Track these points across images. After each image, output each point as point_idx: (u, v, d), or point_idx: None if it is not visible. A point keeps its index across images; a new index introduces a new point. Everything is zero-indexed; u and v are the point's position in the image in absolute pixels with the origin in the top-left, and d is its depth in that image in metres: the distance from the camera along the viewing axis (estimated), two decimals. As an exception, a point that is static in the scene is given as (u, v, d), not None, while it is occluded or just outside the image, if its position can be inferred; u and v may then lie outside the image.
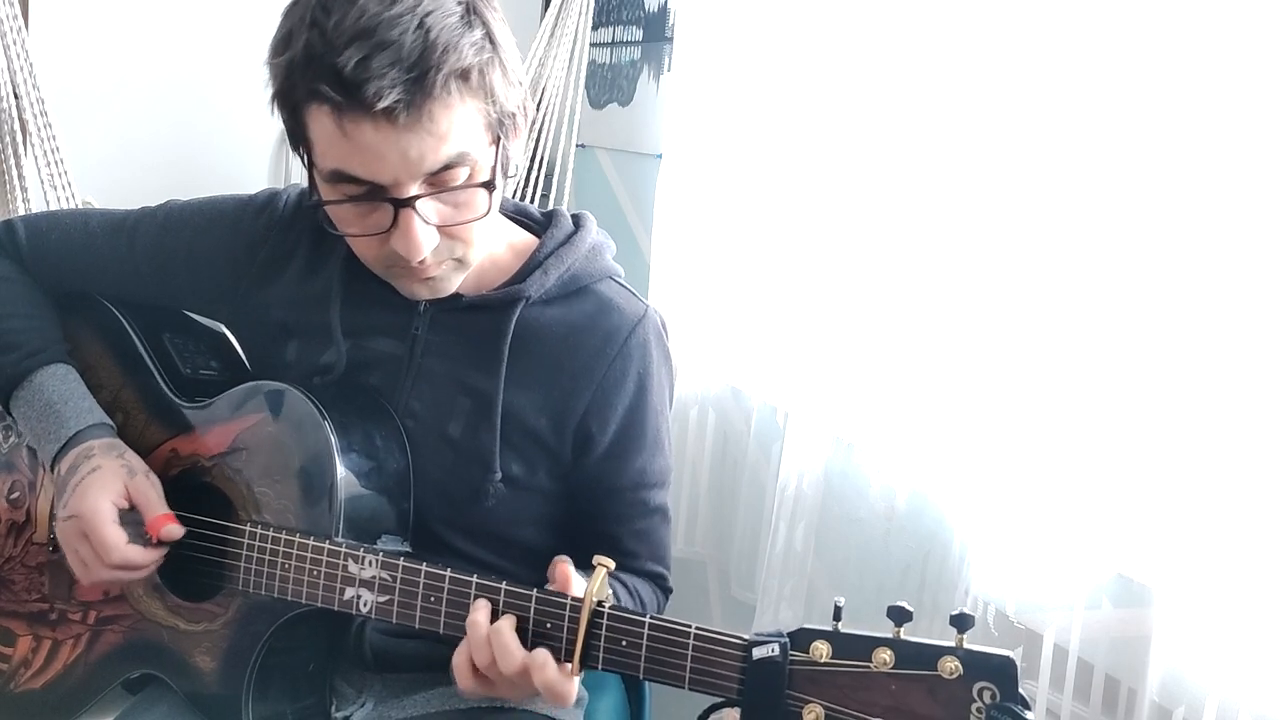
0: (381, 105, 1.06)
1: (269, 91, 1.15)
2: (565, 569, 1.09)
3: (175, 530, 1.25)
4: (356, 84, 1.06)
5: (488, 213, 1.18)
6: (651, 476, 1.33)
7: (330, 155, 1.12)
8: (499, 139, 1.17)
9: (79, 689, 1.35)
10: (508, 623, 1.07)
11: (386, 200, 1.13)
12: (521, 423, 1.28)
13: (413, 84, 1.07)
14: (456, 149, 1.12)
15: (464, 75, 1.10)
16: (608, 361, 1.29)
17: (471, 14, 1.12)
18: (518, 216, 1.37)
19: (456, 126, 1.11)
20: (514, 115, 1.18)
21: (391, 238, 1.15)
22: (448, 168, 1.13)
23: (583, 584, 1.10)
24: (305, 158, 1.18)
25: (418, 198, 1.13)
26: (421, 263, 1.17)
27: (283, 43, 1.12)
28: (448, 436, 1.28)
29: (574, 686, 1.07)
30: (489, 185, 1.16)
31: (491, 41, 1.13)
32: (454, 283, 1.24)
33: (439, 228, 1.16)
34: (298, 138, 1.17)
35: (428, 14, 1.08)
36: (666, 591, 1.37)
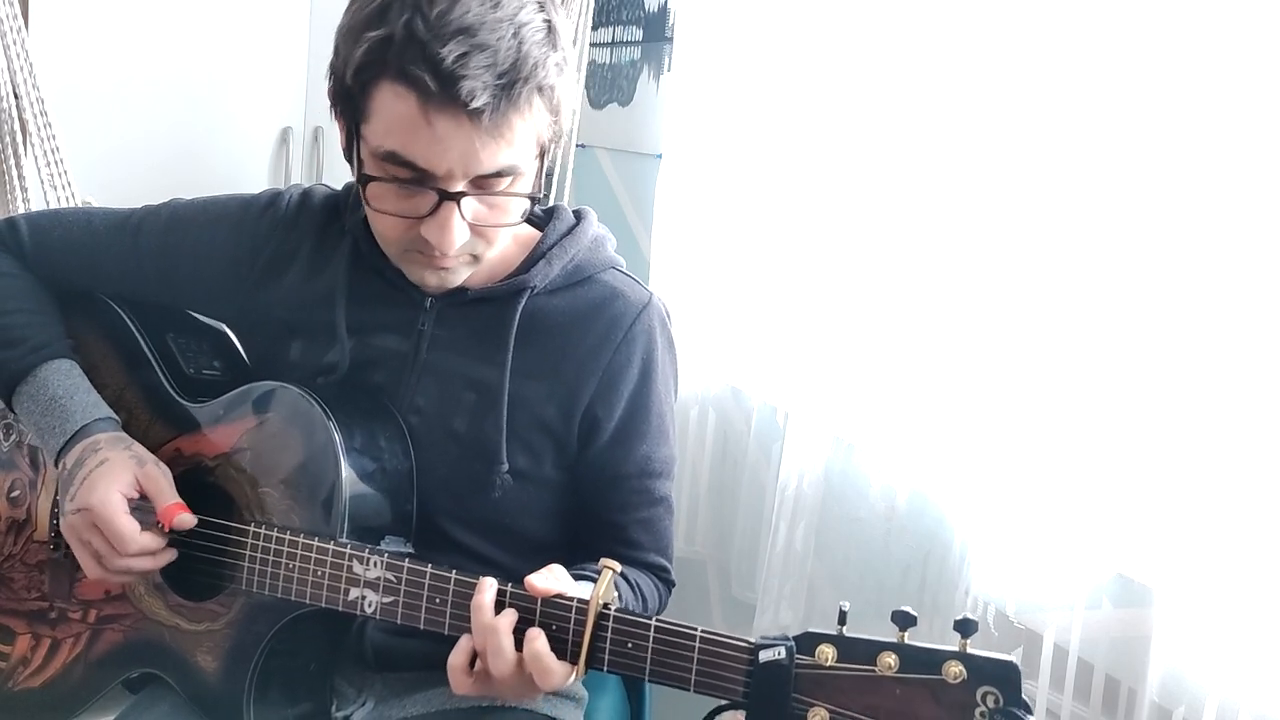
0: (474, 105, 1.09)
1: (341, 58, 1.15)
2: (530, 580, 1.09)
3: (188, 519, 1.25)
4: (454, 78, 1.08)
5: (520, 219, 1.21)
6: (656, 465, 1.34)
7: (391, 137, 1.13)
8: (544, 153, 1.20)
9: (79, 688, 1.35)
10: (507, 622, 1.08)
11: (433, 189, 1.15)
12: (529, 413, 1.29)
13: (501, 90, 1.10)
14: (514, 158, 1.15)
15: (543, 91, 1.14)
16: (613, 347, 1.30)
17: (552, 33, 1.15)
18: None
19: (522, 137, 1.14)
20: (561, 134, 1.21)
21: (424, 225, 1.17)
22: (499, 173, 1.15)
23: (563, 574, 1.11)
24: (353, 130, 1.18)
25: (464, 194, 1.15)
26: (444, 254, 1.19)
27: (378, 15, 1.12)
28: (453, 431, 1.29)
29: (566, 673, 1.07)
30: (532, 197, 1.20)
31: (565, 64, 1.17)
32: (463, 276, 1.26)
33: (470, 225, 1.18)
34: (353, 110, 1.17)
35: (522, 25, 1.12)
36: (669, 585, 1.38)
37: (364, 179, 1.17)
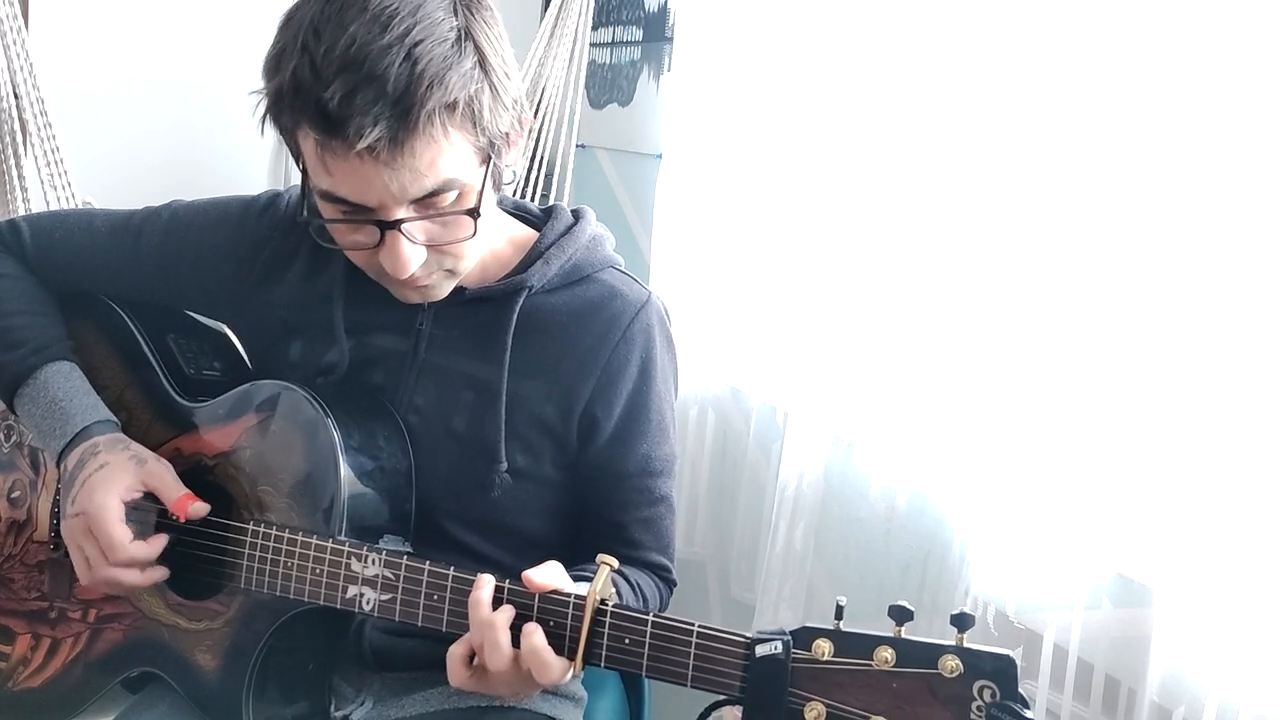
0: (362, 144, 1.06)
1: (261, 107, 1.15)
2: (527, 575, 1.09)
3: (200, 507, 1.25)
4: (339, 120, 1.06)
5: (474, 234, 1.17)
6: (656, 463, 1.34)
7: (319, 176, 1.13)
8: (489, 158, 1.17)
9: (78, 687, 1.35)
10: (504, 617, 1.08)
11: (372, 221, 1.14)
12: (528, 412, 1.29)
13: (395, 120, 1.06)
14: (440, 178, 1.12)
15: (450, 108, 1.10)
16: (611, 346, 1.29)
17: (464, 39, 1.10)
18: (517, 212, 1.38)
19: (441, 159, 1.11)
20: (506, 135, 1.18)
21: (379, 254, 1.16)
22: (434, 194, 1.13)
23: (561, 571, 1.11)
24: (301, 169, 1.18)
25: (403, 221, 1.13)
26: (411, 277, 1.18)
27: (273, 64, 1.12)
28: (452, 430, 1.29)
29: (563, 669, 1.07)
30: (473, 212, 1.16)
31: (483, 67, 1.12)
32: (445, 289, 1.25)
33: (427, 245, 1.17)
34: (293, 151, 1.18)
35: (417, 43, 1.07)
36: (670, 584, 1.38)
37: (305, 221, 1.18)
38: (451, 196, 1.14)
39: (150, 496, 1.27)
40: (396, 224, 1.13)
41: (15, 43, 2.04)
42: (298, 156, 1.18)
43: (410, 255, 1.15)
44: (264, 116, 1.15)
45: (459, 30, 1.10)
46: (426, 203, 1.14)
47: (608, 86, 2.53)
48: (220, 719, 1.25)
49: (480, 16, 1.13)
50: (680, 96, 2.17)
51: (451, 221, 1.16)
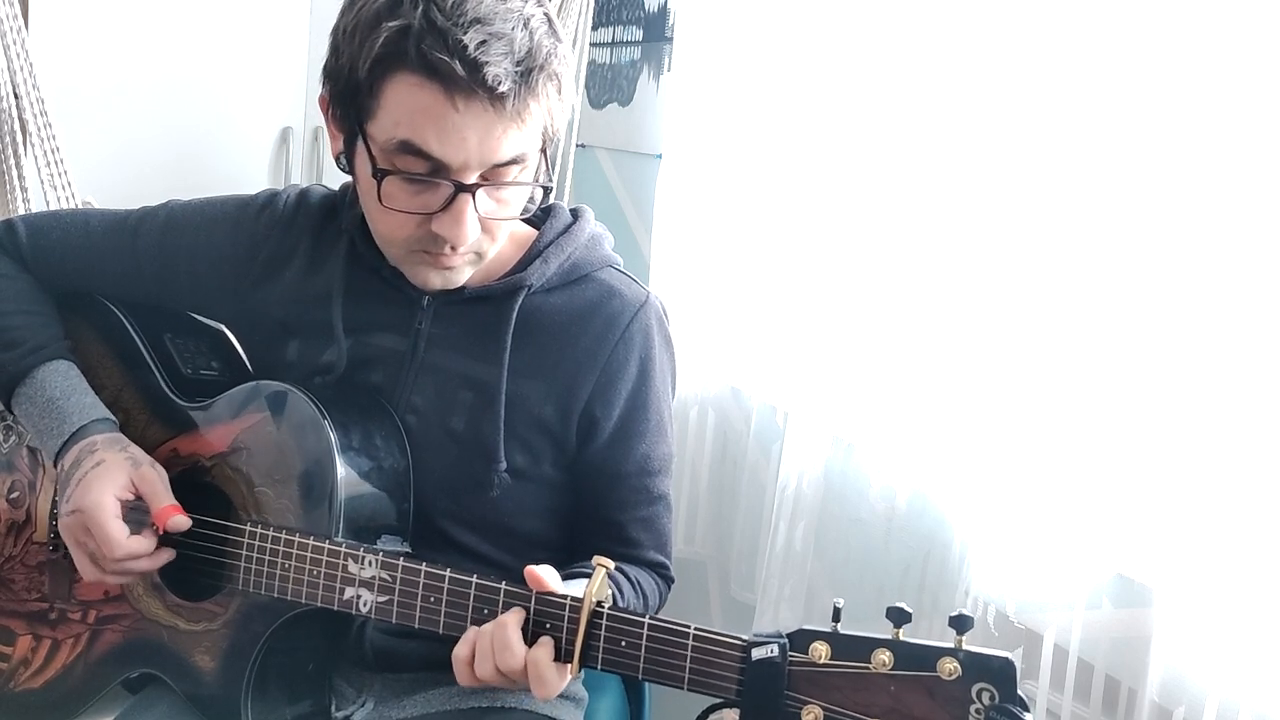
0: (501, 89, 1.11)
1: (346, 55, 1.16)
2: (531, 569, 1.10)
3: (182, 521, 1.25)
4: (479, 65, 1.10)
5: (520, 215, 1.24)
6: (655, 463, 1.34)
7: (406, 126, 1.14)
8: (545, 146, 1.22)
9: (78, 688, 1.35)
10: (513, 619, 1.08)
11: (449, 181, 1.15)
12: (527, 412, 1.29)
13: (521, 77, 1.13)
14: (526, 146, 1.17)
15: (552, 79, 1.16)
16: (610, 346, 1.30)
17: (553, 26, 1.19)
18: None
19: (534, 124, 1.17)
20: (560, 129, 1.22)
21: (436, 220, 1.18)
22: (511, 162, 1.17)
23: (556, 577, 1.11)
24: (355, 130, 1.18)
25: (478, 186, 1.16)
26: (454, 249, 1.20)
27: (390, 8, 1.13)
28: (451, 430, 1.29)
29: (562, 682, 1.08)
30: (546, 187, 1.24)
31: (566, 56, 1.20)
32: (466, 275, 1.27)
33: (480, 219, 1.19)
34: (357, 109, 1.17)
35: (530, 18, 1.15)
36: (668, 581, 1.38)
37: (381, 173, 1.17)
38: (517, 170, 1.19)
39: (140, 501, 1.27)
40: (473, 188, 1.16)
41: (15, 43, 2.04)
42: (356, 113, 1.17)
43: (471, 223, 1.18)
44: (356, 59, 1.15)
45: (548, 18, 1.19)
46: (498, 172, 1.17)
47: (608, 86, 2.52)
48: (219, 720, 1.26)
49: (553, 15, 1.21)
50: (680, 96, 2.17)
51: (507, 197, 1.21)
